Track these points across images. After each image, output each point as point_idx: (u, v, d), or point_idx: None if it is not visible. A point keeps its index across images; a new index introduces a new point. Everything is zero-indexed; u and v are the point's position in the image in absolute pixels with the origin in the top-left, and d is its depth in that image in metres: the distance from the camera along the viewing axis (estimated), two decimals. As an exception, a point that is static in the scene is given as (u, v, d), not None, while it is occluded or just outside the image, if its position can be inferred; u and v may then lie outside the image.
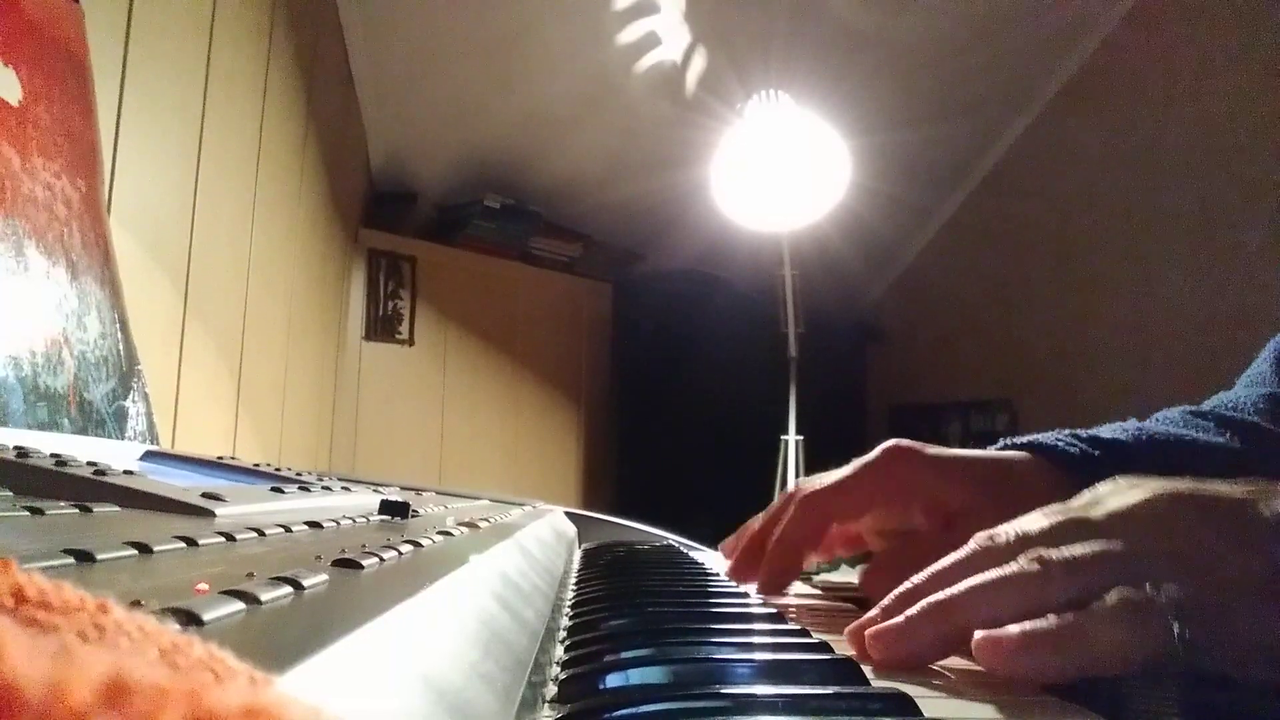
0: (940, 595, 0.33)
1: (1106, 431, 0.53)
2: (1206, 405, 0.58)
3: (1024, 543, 0.34)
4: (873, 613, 0.35)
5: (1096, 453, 0.51)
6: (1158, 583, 0.29)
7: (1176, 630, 0.28)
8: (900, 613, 0.33)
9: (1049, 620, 0.30)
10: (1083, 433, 0.53)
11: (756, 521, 0.58)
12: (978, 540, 0.36)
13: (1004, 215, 3.41)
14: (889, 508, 0.53)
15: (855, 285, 3.85)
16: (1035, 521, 0.35)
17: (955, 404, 3.56)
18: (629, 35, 2.60)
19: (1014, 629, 0.30)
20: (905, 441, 0.52)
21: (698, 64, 2.73)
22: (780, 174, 2.48)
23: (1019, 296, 3.36)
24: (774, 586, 0.53)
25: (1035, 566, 0.32)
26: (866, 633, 0.33)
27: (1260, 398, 0.56)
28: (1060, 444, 0.51)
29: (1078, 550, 0.32)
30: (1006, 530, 0.35)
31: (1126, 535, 0.32)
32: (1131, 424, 0.54)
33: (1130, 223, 2.96)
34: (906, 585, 0.36)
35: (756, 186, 2.51)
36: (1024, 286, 3.34)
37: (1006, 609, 0.31)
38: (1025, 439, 0.53)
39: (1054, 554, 0.32)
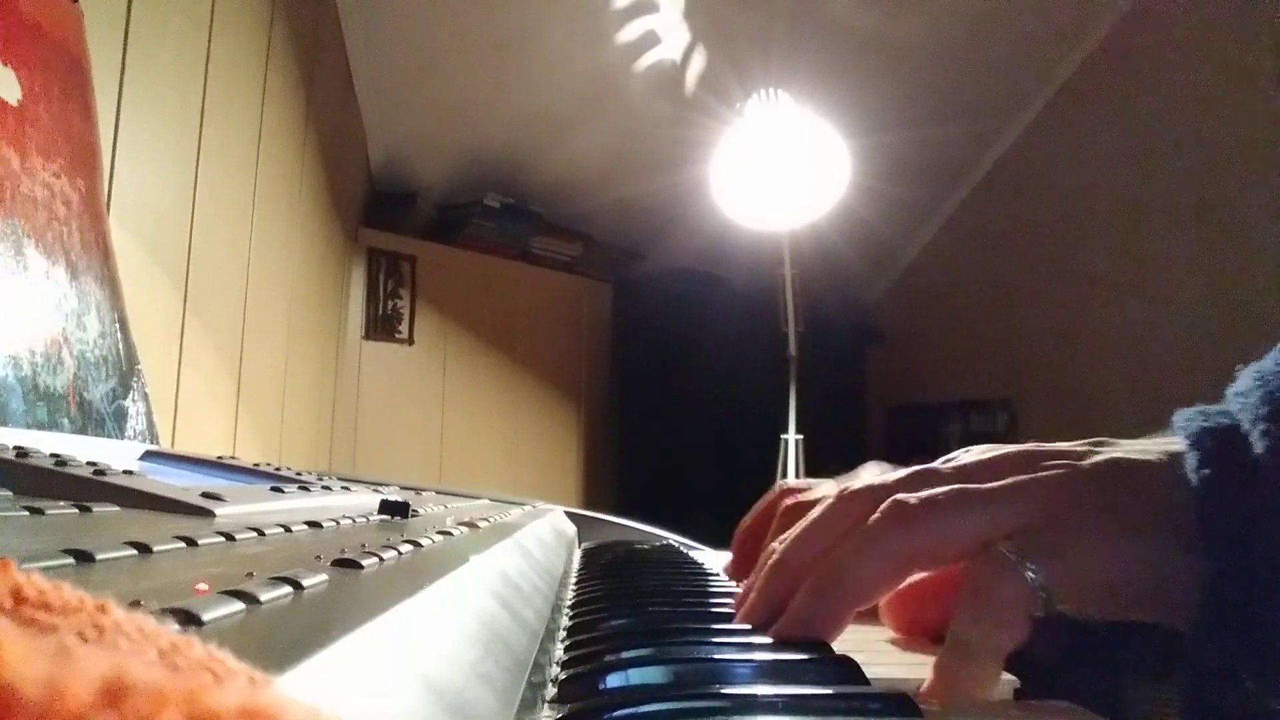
0: (795, 553, 0.35)
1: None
2: (1236, 385, 0.58)
3: (878, 492, 0.35)
4: (746, 584, 0.37)
5: None
6: (1008, 537, 0.31)
7: (1031, 579, 0.29)
8: (778, 582, 0.35)
9: (943, 645, 0.30)
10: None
11: (745, 520, 0.59)
12: (832, 496, 0.37)
13: (1004, 215, 3.41)
14: None
15: (855, 285, 3.85)
16: (889, 474, 0.36)
17: (955, 403, 3.56)
18: (628, 34, 2.60)
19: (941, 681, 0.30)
20: (887, 466, 0.54)
21: (697, 63, 2.73)
22: (780, 173, 2.48)
23: (1019, 296, 3.36)
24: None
25: (894, 510, 0.33)
26: (741, 613, 0.35)
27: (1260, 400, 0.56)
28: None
29: (934, 493, 0.33)
30: (858, 481, 0.37)
31: (977, 480, 0.33)
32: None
33: (1130, 222, 2.96)
34: (773, 557, 0.37)
35: (756, 186, 2.51)
36: (1024, 286, 3.34)
37: (878, 561, 0.33)
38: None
39: (909, 498, 0.33)
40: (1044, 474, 0.33)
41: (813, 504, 0.54)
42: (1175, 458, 0.32)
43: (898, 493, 0.34)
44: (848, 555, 0.33)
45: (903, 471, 0.36)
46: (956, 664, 0.29)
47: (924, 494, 0.33)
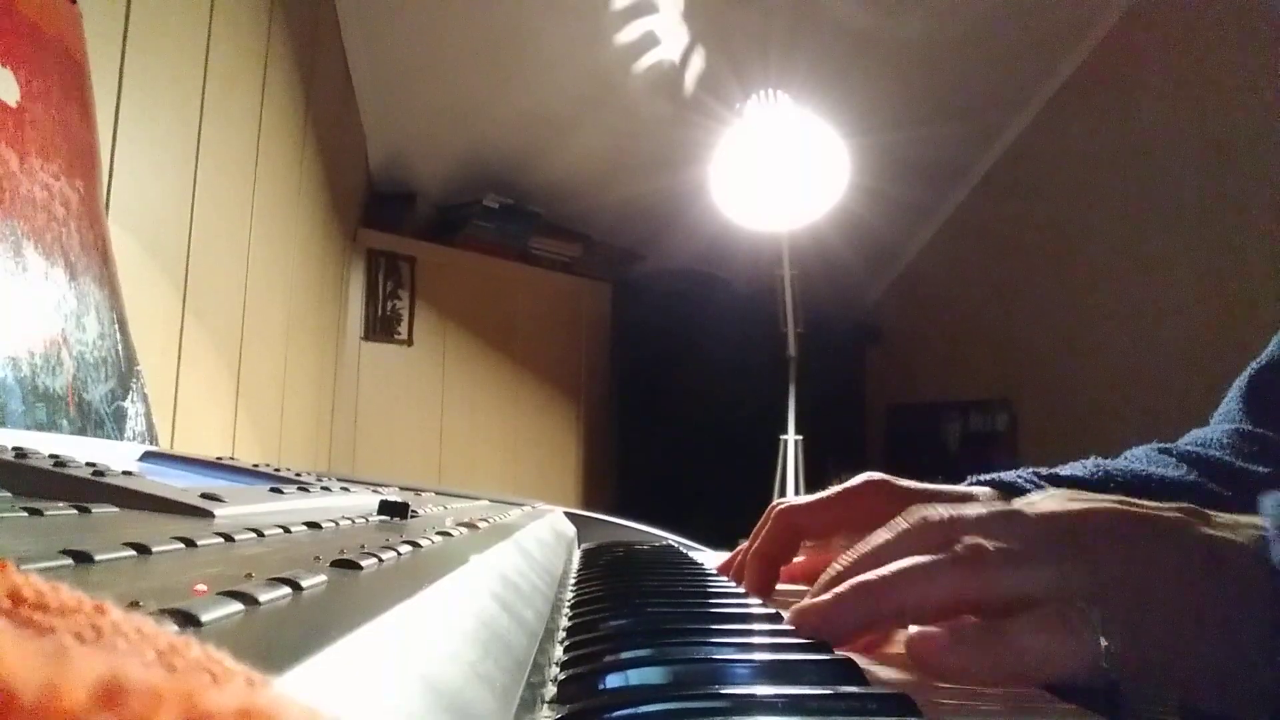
0: (870, 576, 0.33)
1: (1066, 469, 0.55)
2: (1179, 442, 0.59)
3: (956, 526, 0.34)
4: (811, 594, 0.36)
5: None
6: (1087, 593, 0.30)
7: (1103, 644, 0.29)
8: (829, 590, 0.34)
9: (978, 625, 0.30)
10: (1043, 471, 0.55)
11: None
12: (908, 518, 0.36)
13: (1004, 215, 3.41)
14: (858, 533, 0.56)
15: (854, 285, 3.85)
16: (972, 508, 0.35)
17: (954, 404, 3.56)
18: (628, 35, 2.60)
19: (944, 630, 0.30)
20: (880, 475, 0.55)
21: (696, 64, 2.74)
22: (779, 174, 2.48)
23: (1019, 296, 3.36)
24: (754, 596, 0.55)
25: (967, 555, 0.32)
26: (792, 609, 0.33)
27: (1227, 433, 0.58)
28: (1020, 481, 0.54)
29: (1010, 545, 0.32)
30: (940, 510, 0.35)
31: (1059, 538, 0.32)
32: (1091, 462, 0.57)
33: (1130, 221, 2.97)
34: (837, 565, 0.36)
35: (756, 186, 2.51)
36: (1024, 286, 3.34)
37: (935, 595, 0.32)
38: (988, 476, 0.55)
39: (988, 544, 0.32)
40: (1132, 542, 0.32)
41: (801, 506, 0.55)
42: (1263, 545, 0.31)
43: (978, 533, 0.33)
44: (912, 574, 0.32)
45: (983, 509, 0.35)
46: (979, 648, 0.29)
47: (1003, 545, 0.32)
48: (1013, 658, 0.29)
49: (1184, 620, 0.30)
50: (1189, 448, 0.58)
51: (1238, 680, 0.29)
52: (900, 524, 0.36)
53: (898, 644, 0.37)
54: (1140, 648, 0.29)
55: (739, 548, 0.61)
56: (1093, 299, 3.07)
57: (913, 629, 0.31)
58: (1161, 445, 0.59)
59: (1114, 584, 0.31)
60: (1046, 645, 0.29)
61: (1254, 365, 0.61)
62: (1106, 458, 0.58)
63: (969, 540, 0.32)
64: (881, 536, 0.36)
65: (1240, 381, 0.61)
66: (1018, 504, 0.36)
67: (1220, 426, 0.59)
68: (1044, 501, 0.35)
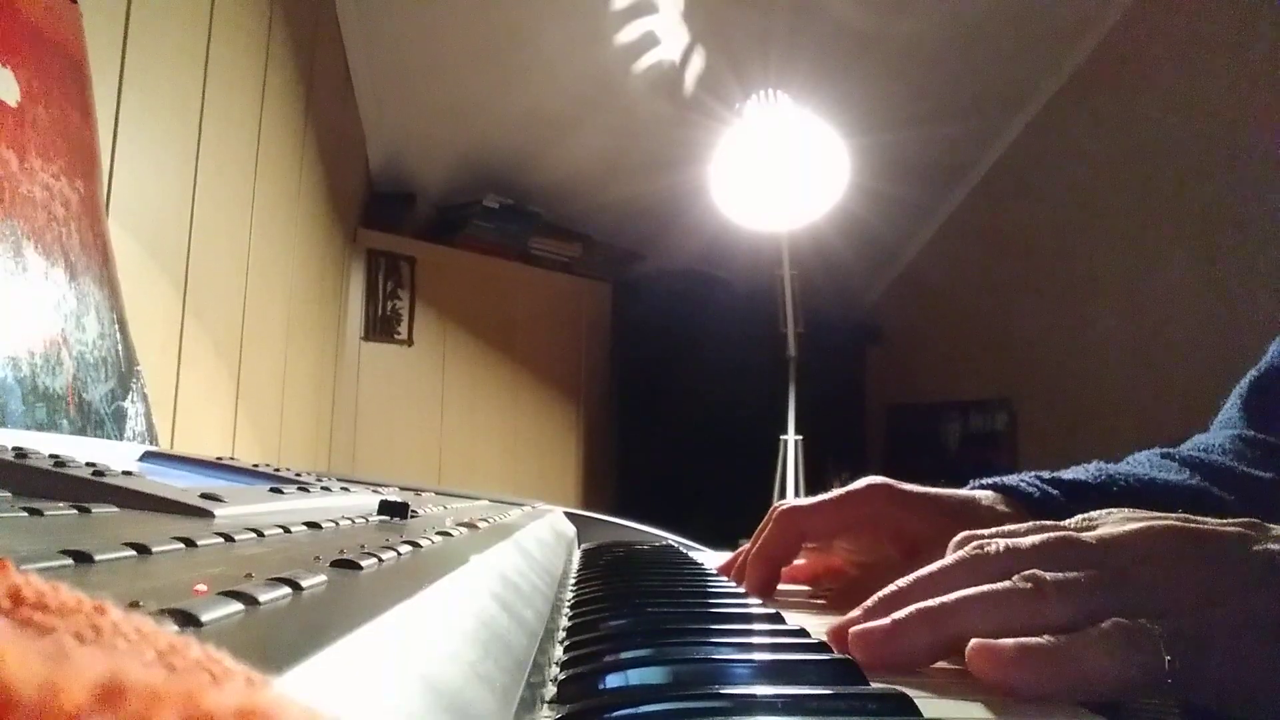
0: (933, 602, 0.33)
1: (1069, 474, 0.55)
2: (1181, 448, 0.60)
3: (1014, 557, 0.34)
4: (854, 613, 0.35)
5: (1056, 493, 0.53)
6: (1149, 614, 0.30)
7: (1167, 661, 0.29)
8: (883, 615, 0.33)
9: (1044, 638, 0.30)
10: (1045, 475, 0.55)
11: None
12: (965, 547, 0.36)
13: (1004, 215, 3.41)
14: (859, 536, 0.56)
15: (854, 285, 3.85)
16: (1027, 538, 0.35)
17: (954, 404, 3.56)
18: (628, 35, 2.60)
19: (1010, 642, 0.30)
20: (882, 479, 0.55)
21: (696, 64, 2.73)
22: (779, 174, 2.48)
23: (1019, 296, 3.36)
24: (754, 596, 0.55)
25: (1029, 585, 0.32)
26: (851, 631, 0.33)
27: (1229, 439, 0.58)
28: (1023, 485, 0.54)
29: (1071, 573, 0.32)
30: (997, 541, 0.35)
31: (1119, 562, 0.32)
32: (1095, 465, 0.57)
33: (1130, 223, 2.97)
34: (892, 588, 0.36)
35: (756, 186, 2.51)
36: (1024, 286, 3.34)
37: (999, 624, 0.31)
38: (990, 480, 0.55)
39: (1049, 575, 0.32)
40: (1193, 561, 0.31)
41: (804, 507, 0.55)
42: None
43: (1035, 563, 0.32)
44: (973, 603, 0.32)
45: (1040, 537, 0.34)
46: (1043, 661, 0.29)
47: (1062, 576, 0.32)
48: (1078, 674, 0.29)
49: (1247, 635, 0.30)
50: (1192, 453, 0.58)
51: None
52: (957, 553, 0.36)
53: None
54: (1204, 664, 0.29)
55: (740, 549, 0.61)
56: (1093, 299, 3.07)
57: (974, 641, 0.31)
58: (1164, 450, 0.59)
59: (1176, 603, 0.30)
60: (1111, 662, 0.29)
61: (1254, 372, 0.61)
62: (1108, 460, 0.58)
63: (1029, 571, 0.32)
64: (937, 564, 0.36)
65: (1240, 388, 0.61)
66: (1074, 526, 0.35)
67: (1222, 432, 0.59)
68: (1102, 525, 0.35)
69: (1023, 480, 0.54)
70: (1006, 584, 0.32)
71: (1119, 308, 2.99)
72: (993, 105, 3.20)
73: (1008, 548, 0.34)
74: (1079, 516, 0.36)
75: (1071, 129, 3.11)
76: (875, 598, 0.35)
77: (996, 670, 0.30)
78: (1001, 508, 0.53)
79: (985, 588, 0.32)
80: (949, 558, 0.36)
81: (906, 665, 0.32)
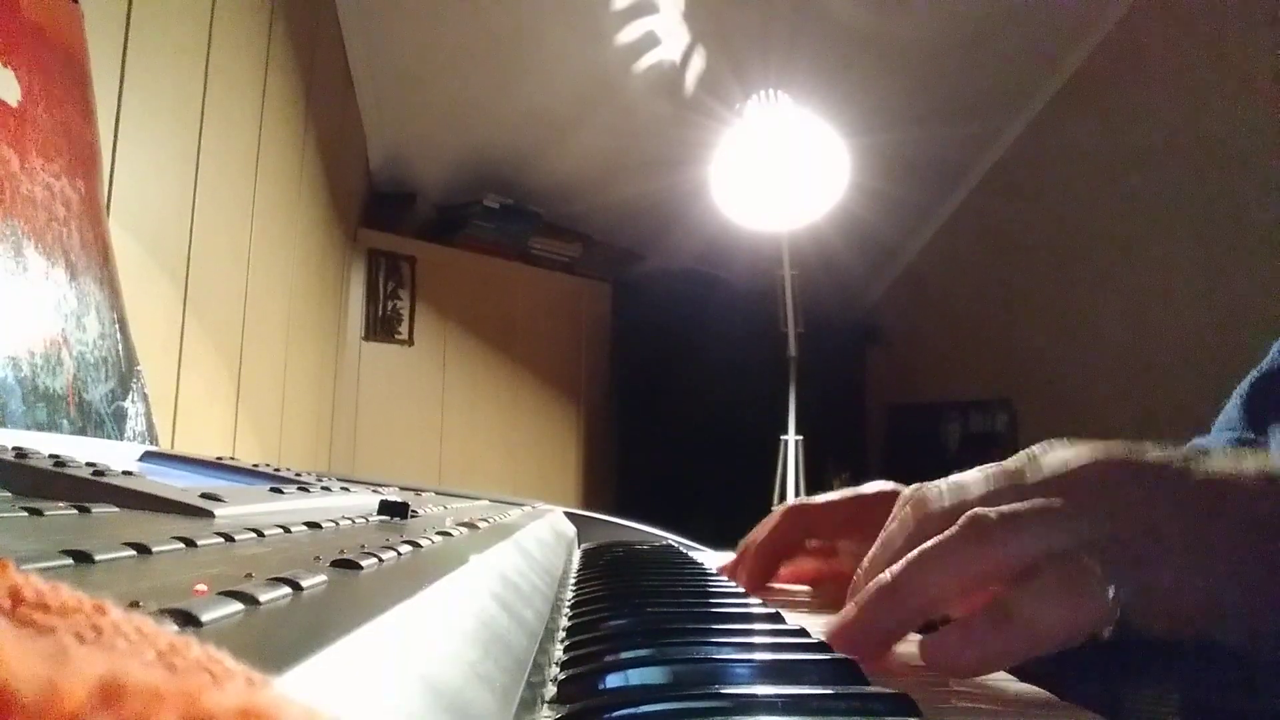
0: (885, 576, 0.33)
1: None
2: (1182, 450, 0.59)
3: (959, 499, 0.34)
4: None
5: None
6: (1092, 549, 0.30)
7: (1111, 594, 0.29)
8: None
9: (984, 610, 0.30)
10: None
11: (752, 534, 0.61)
12: (910, 500, 0.36)
13: (1004, 215, 3.41)
14: (865, 541, 0.56)
15: (855, 285, 3.85)
16: (969, 475, 0.35)
17: (955, 404, 3.56)
18: (628, 35, 2.60)
19: (950, 628, 0.30)
20: (892, 485, 0.54)
21: (697, 64, 2.73)
22: (780, 174, 2.48)
23: (1019, 296, 3.36)
24: (752, 587, 0.55)
25: (972, 529, 0.32)
26: (825, 633, 0.33)
27: (1229, 441, 0.57)
28: None
29: (1016, 508, 0.32)
30: (938, 486, 0.35)
31: (1061, 492, 0.32)
32: None
33: (1130, 221, 2.96)
34: (858, 573, 0.36)
35: (756, 186, 2.51)
36: (1024, 286, 3.34)
37: (951, 578, 0.31)
38: None
39: (990, 513, 0.32)
40: (1135, 488, 0.32)
41: (812, 505, 0.55)
42: (1275, 481, 0.31)
43: (976, 504, 0.33)
44: (915, 572, 0.32)
45: (981, 478, 0.35)
46: (994, 635, 0.29)
47: (1005, 509, 0.32)
48: (1026, 634, 0.29)
49: (1191, 559, 0.30)
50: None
51: (1248, 614, 0.29)
52: (903, 511, 0.36)
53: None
54: (1150, 591, 0.29)
55: (745, 543, 0.61)
56: (1093, 299, 3.07)
57: (920, 638, 0.31)
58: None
59: (1119, 530, 0.31)
60: (1056, 611, 0.29)
61: (1255, 373, 0.61)
62: None
63: (970, 512, 0.32)
64: (887, 529, 0.36)
65: (1241, 390, 0.61)
66: (1018, 461, 0.36)
67: (1222, 435, 0.59)
68: (1045, 458, 0.35)
69: None
70: (950, 532, 0.32)
71: (1119, 308, 2.99)
72: (993, 105, 3.20)
73: (950, 488, 0.35)
74: (1020, 454, 0.36)
75: (1071, 129, 3.11)
76: (851, 589, 0.36)
77: (949, 659, 0.30)
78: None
79: (931, 543, 0.32)
80: (896, 517, 0.36)
81: (886, 644, 0.32)
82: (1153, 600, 0.29)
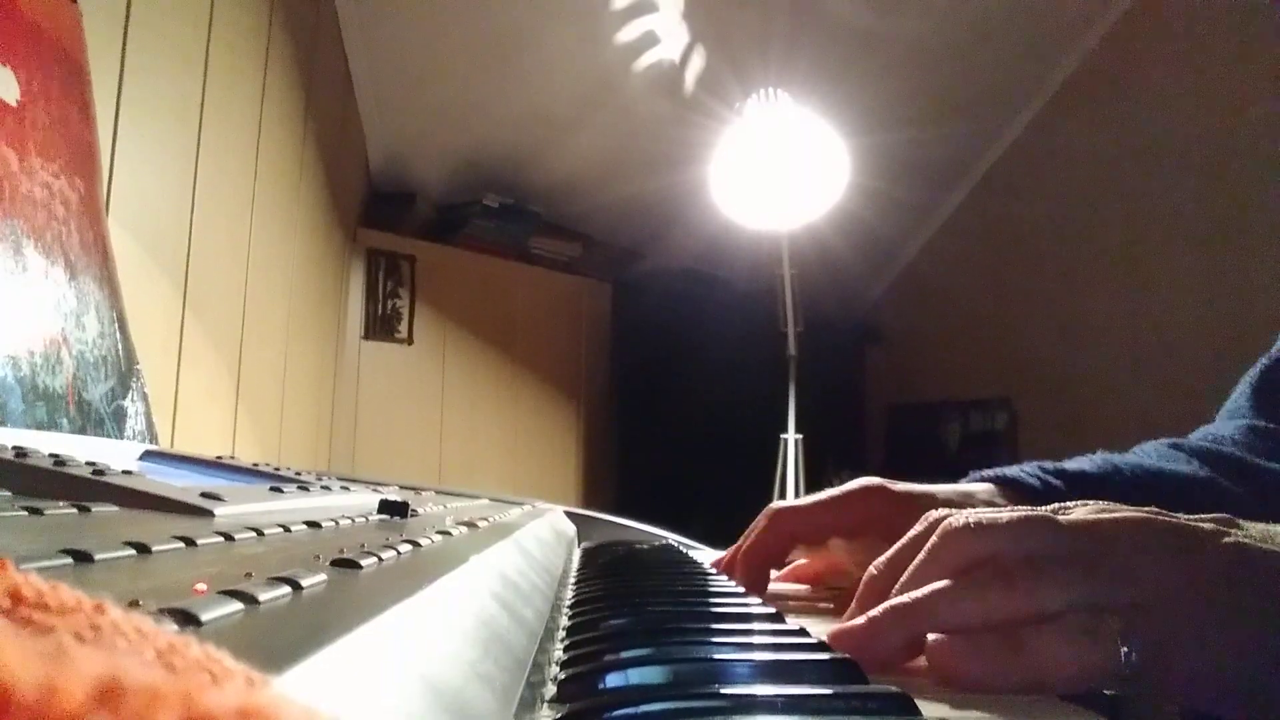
0: (905, 599, 0.33)
1: (1073, 464, 0.55)
2: (1190, 438, 0.59)
3: (986, 535, 0.34)
4: (852, 608, 0.36)
5: (1059, 484, 0.52)
6: (1111, 606, 0.30)
7: (1124, 654, 0.29)
8: (866, 610, 0.34)
9: (999, 634, 0.30)
10: (1049, 465, 0.55)
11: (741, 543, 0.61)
12: (939, 524, 0.36)
13: (1004, 215, 3.41)
14: (853, 539, 0.56)
15: (854, 285, 3.85)
16: (1001, 514, 0.35)
17: (954, 403, 3.56)
18: (628, 35, 2.60)
19: (962, 639, 0.30)
20: (876, 480, 0.54)
21: (696, 63, 2.73)
22: (779, 173, 2.48)
23: (1019, 296, 3.36)
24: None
25: (997, 576, 0.32)
26: (829, 633, 0.33)
27: (1240, 429, 0.57)
28: (1024, 475, 0.53)
29: (1041, 560, 0.32)
30: (967, 515, 0.35)
31: (1088, 548, 0.32)
32: (1100, 455, 0.56)
33: (1130, 221, 2.97)
34: (870, 571, 0.36)
35: (755, 186, 2.51)
36: (1024, 286, 3.34)
37: (968, 615, 0.31)
38: (992, 471, 0.55)
39: (1017, 560, 0.32)
40: (1163, 552, 0.31)
41: (797, 510, 0.55)
42: None
43: (1004, 542, 0.33)
44: (934, 604, 0.32)
45: (1012, 516, 0.34)
46: (1004, 660, 0.29)
47: (1030, 557, 0.32)
48: (1032, 667, 0.29)
49: (1213, 631, 0.30)
50: (1201, 443, 0.57)
51: (1267, 691, 0.29)
52: (931, 538, 0.36)
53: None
54: (1165, 657, 0.29)
55: (736, 544, 0.61)
56: (1093, 298, 3.07)
57: (931, 636, 0.31)
58: (1173, 441, 0.59)
59: (1143, 595, 0.30)
60: (1065, 652, 0.29)
61: (1264, 360, 0.60)
62: (1113, 451, 0.57)
63: (997, 560, 0.32)
64: (909, 539, 0.36)
65: (1250, 376, 0.61)
66: (1048, 511, 0.35)
67: (1232, 422, 0.59)
68: (1076, 510, 0.35)
69: (1024, 471, 0.54)
70: (976, 575, 0.32)
71: (1119, 308, 2.99)
72: (993, 105, 3.19)
73: (979, 524, 0.34)
74: (1052, 505, 0.36)
75: (1071, 129, 3.11)
76: (860, 590, 0.36)
77: (949, 663, 0.30)
78: (1000, 502, 0.53)
79: (953, 583, 0.33)
80: (921, 530, 0.36)
81: (886, 661, 0.32)
82: (1171, 667, 0.29)
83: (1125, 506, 0.35)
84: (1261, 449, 0.55)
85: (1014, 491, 0.53)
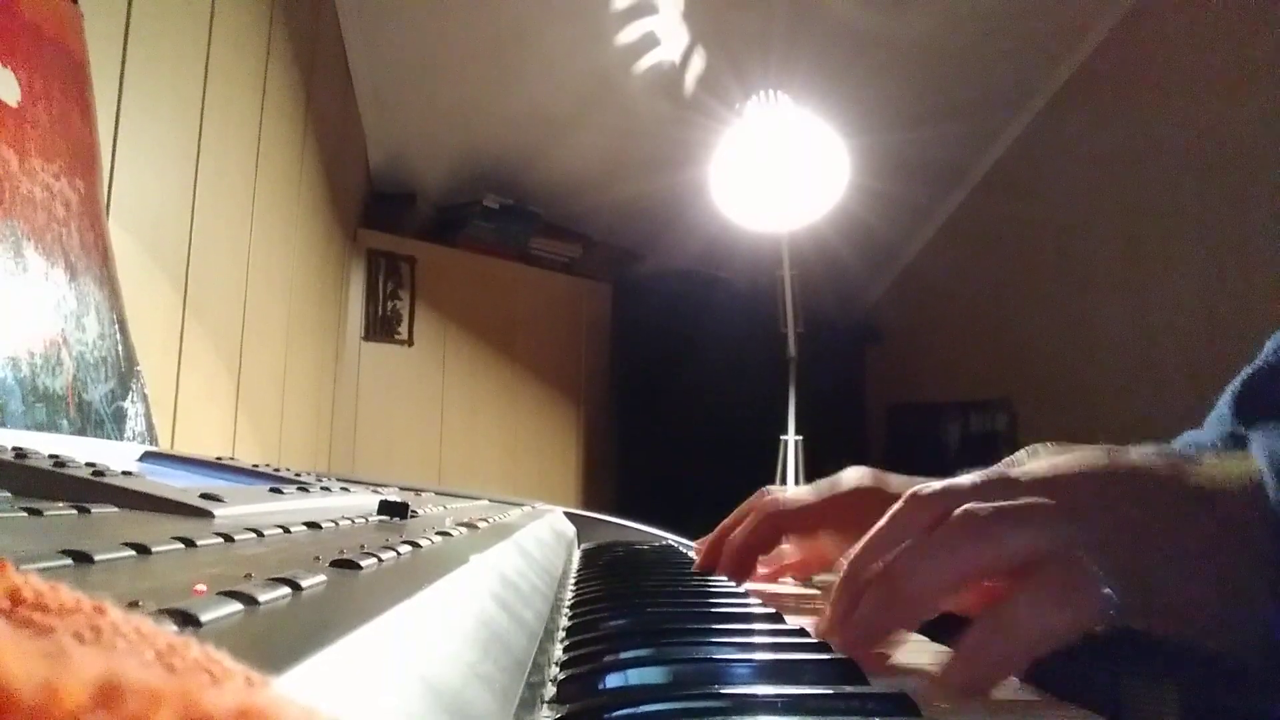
0: (877, 566, 0.33)
1: None
2: (1173, 444, 0.60)
3: (951, 497, 0.34)
4: (826, 609, 0.36)
5: None
6: (1085, 549, 0.30)
7: (1107, 594, 0.29)
8: (847, 600, 0.34)
9: (982, 623, 0.30)
10: None
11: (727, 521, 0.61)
12: (904, 499, 0.36)
13: (1004, 215, 3.41)
14: (844, 530, 0.56)
15: (854, 285, 3.85)
16: (962, 478, 0.35)
17: (954, 404, 3.56)
18: (628, 36, 2.60)
19: (956, 655, 0.30)
20: (871, 476, 0.55)
21: (696, 64, 2.73)
22: (779, 174, 2.48)
23: (1019, 296, 3.36)
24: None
25: (965, 524, 0.32)
26: (819, 628, 0.33)
27: (1220, 437, 0.58)
28: None
29: (1006, 505, 0.32)
30: (931, 485, 0.36)
31: (1052, 494, 0.33)
32: None
33: (1130, 223, 2.96)
34: (844, 562, 0.36)
35: (756, 186, 2.51)
36: (1024, 286, 3.34)
37: (945, 571, 0.32)
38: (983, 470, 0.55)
39: (982, 508, 0.32)
40: (1121, 492, 0.32)
41: (789, 508, 0.55)
42: (1257, 486, 0.31)
43: (969, 501, 0.33)
44: (909, 566, 0.32)
45: (975, 477, 0.35)
46: (997, 642, 0.29)
47: (995, 505, 0.32)
48: (1029, 638, 0.29)
49: (1180, 563, 0.30)
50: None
51: (1235, 618, 0.29)
52: (896, 505, 0.36)
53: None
54: (1142, 593, 0.30)
55: (721, 526, 0.61)
56: (1093, 299, 3.07)
57: (937, 669, 0.31)
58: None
59: (1110, 534, 0.31)
60: (1056, 611, 0.29)
61: (1248, 369, 0.61)
62: None
63: (963, 507, 0.32)
64: (880, 524, 0.36)
65: (1233, 386, 0.61)
66: (1008, 463, 0.36)
67: (1213, 430, 0.59)
68: (1032, 462, 0.35)
69: None
70: (944, 527, 0.32)
71: (1119, 308, 2.99)
72: (993, 105, 3.19)
73: (940, 491, 0.35)
74: (1003, 461, 0.37)
75: (1071, 129, 3.11)
76: (837, 584, 0.36)
77: (965, 680, 0.30)
78: None
79: (923, 540, 0.33)
80: (889, 512, 0.36)
81: (880, 638, 0.32)
82: (1143, 600, 0.30)
83: (1081, 448, 0.35)
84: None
85: None
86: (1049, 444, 0.36)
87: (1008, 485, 0.34)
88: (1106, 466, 0.34)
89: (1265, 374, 0.59)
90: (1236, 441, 0.57)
